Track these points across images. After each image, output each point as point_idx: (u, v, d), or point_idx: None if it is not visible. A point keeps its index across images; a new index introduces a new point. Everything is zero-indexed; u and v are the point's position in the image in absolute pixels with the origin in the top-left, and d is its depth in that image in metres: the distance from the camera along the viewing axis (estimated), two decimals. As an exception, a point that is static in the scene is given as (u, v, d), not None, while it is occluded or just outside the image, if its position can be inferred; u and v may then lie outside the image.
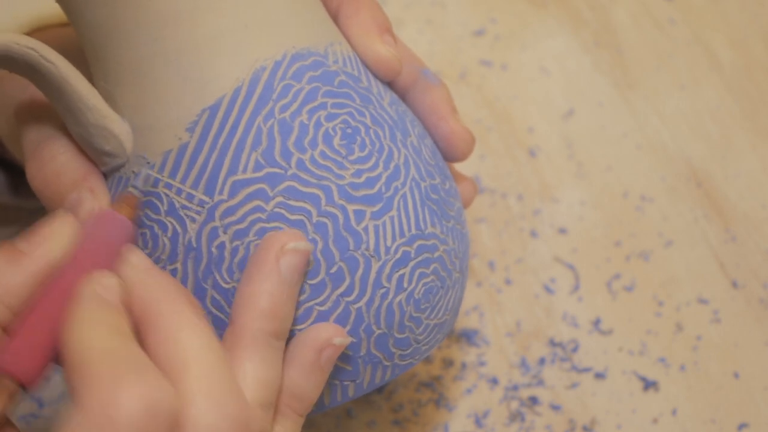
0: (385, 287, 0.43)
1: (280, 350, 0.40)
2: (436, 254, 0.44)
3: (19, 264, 0.39)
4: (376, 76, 0.46)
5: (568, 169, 0.64)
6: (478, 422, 0.55)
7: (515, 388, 0.56)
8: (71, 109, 0.42)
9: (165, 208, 0.42)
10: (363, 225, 0.42)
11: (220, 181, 0.41)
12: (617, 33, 0.70)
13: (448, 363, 0.57)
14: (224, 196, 0.41)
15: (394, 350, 0.44)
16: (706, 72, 0.68)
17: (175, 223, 0.42)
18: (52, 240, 0.40)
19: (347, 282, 0.42)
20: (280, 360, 0.41)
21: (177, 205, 0.42)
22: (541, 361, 0.57)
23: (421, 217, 0.44)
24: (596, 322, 0.59)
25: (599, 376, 0.57)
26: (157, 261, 0.42)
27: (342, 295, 0.42)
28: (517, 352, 0.58)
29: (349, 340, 0.42)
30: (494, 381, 0.57)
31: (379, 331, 0.43)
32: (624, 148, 0.65)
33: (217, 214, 0.41)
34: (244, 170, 0.41)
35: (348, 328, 0.42)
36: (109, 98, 0.43)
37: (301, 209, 0.41)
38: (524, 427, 0.55)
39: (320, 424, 0.55)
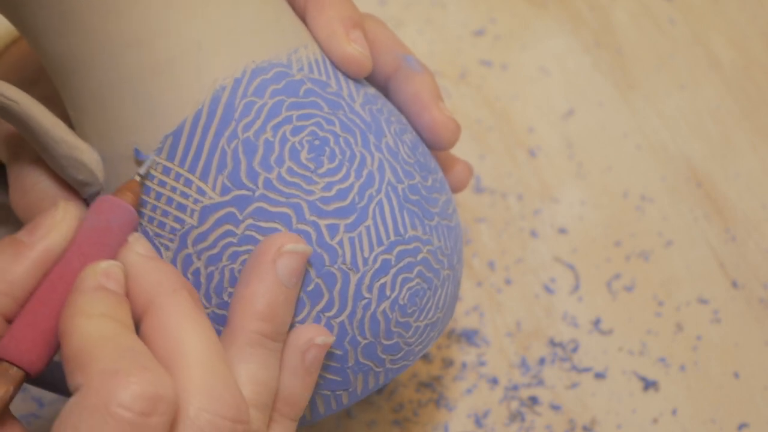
0: (366, 298, 0.42)
1: (276, 352, 0.40)
2: (420, 257, 0.43)
3: (21, 255, 0.39)
4: (347, 75, 0.44)
5: (568, 169, 0.64)
6: (478, 422, 0.55)
7: (515, 388, 0.56)
8: (39, 142, 0.41)
9: None
10: (337, 239, 0.41)
11: (189, 207, 0.41)
12: (617, 33, 0.70)
13: (448, 363, 0.57)
14: (194, 222, 0.41)
15: (383, 356, 0.43)
16: (706, 72, 0.68)
17: None
18: (54, 230, 0.39)
19: (326, 298, 0.41)
20: (277, 362, 0.40)
21: (150, 233, 0.41)
22: (541, 361, 0.57)
23: (399, 221, 0.43)
24: (596, 322, 0.59)
25: (599, 376, 0.57)
26: None
27: (322, 311, 0.41)
28: (517, 352, 0.58)
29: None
30: (494, 381, 0.57)
31: (366, 341, 0.42)
32: (624, 148, 0.65)
33: (189, 240, 0.41)
34: (212, 195, 0.41)
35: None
36: (77, 126, 0.42)
37: (272, 230, 0.41)
38: (524, 427, 0.55)
39: (320, 424, 0.55)
